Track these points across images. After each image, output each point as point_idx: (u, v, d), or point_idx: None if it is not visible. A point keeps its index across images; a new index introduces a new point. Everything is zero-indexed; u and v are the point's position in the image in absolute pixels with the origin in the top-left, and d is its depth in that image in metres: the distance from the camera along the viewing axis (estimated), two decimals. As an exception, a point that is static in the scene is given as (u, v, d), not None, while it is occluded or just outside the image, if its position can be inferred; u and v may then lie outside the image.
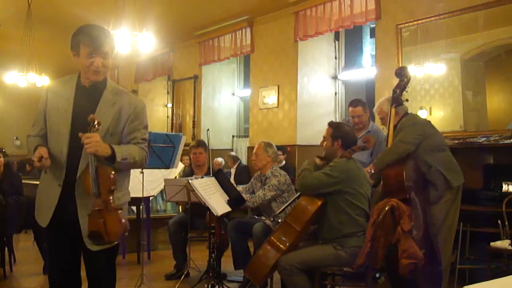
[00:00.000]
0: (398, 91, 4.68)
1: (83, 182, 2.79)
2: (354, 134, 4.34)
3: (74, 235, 2.86)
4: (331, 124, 4.32)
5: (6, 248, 5.96)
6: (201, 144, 6.13)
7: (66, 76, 3.05)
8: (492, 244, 4.59)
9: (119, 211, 2.79)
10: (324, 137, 4.30)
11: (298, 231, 3.94)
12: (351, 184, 3.98)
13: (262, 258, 3.95)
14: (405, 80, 4.71)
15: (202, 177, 5.23)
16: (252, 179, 5.61)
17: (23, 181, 6.90)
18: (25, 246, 7.43)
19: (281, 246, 3.94)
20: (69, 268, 3.01)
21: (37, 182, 3.12)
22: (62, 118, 2.88)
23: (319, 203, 3.95)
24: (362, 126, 5.43)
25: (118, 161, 2.80)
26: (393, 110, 4.67)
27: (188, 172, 6.28)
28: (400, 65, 6.75)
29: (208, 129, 5.75)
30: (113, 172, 2.77)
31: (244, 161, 10.02)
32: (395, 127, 4.67)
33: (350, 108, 5.45)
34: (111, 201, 2.76)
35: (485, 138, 5.75)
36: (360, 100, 5.54)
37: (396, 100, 4.67)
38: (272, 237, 4.00)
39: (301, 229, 3.97)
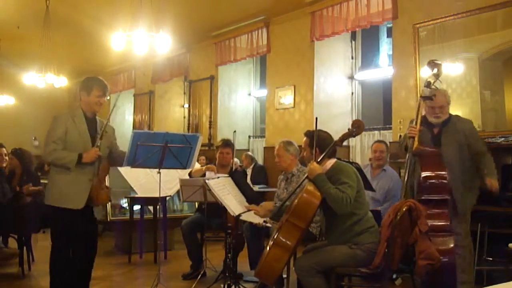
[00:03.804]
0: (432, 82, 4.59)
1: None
2: (331, 139, 4.19)
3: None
4: (307, 134, 4.28)
5: (25, 247, 6.02)
6: (229, 144, 6.02)
7: (72, 111, 4.56)
8: (510, 245, 4.54)
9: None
10: (302, 148, 4.28)
11: (303, 229, 3.87)
12: (359, 184, 3.98)
13: (272, 261, 3.85)
14: (437, 72, 4.62)
15: (218, 177, 5.22)
16: (278, 183, 5.49)
17: (42, 181, 6.98)
18: (43, 245, 7.42)
19: (287, 246, 3.84)
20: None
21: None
22: (84, 137, 4.42)
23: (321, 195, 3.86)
24: (382, 163, 5.79)
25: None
26: (422, 104, 4.59)
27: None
28: (417, 65, 6.73)
29: (234, 131, 5.75)
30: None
31: (260, 161, 10.01)
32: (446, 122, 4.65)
33: (375, 144, 5.92)
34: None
35: (503, 138, 5.70)
36: (384, 141, 6.13)
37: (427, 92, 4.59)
38: (277, 239, 3.88)
39: (306, 226, 3.92)
